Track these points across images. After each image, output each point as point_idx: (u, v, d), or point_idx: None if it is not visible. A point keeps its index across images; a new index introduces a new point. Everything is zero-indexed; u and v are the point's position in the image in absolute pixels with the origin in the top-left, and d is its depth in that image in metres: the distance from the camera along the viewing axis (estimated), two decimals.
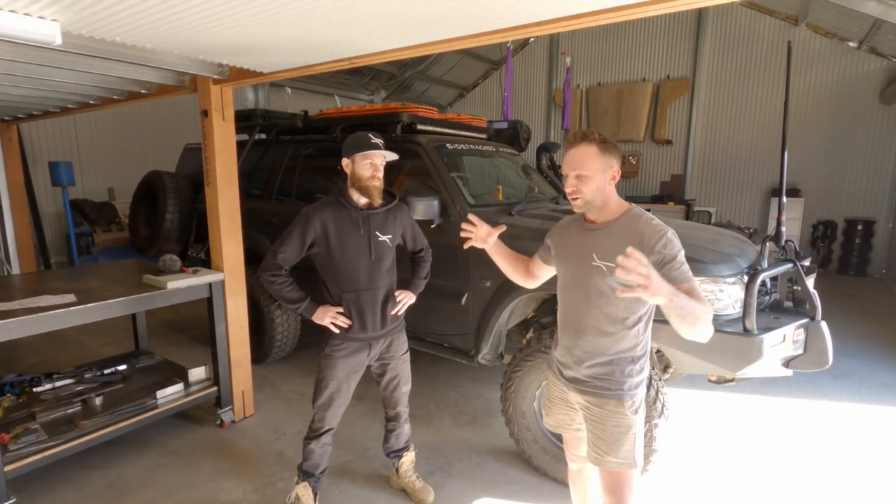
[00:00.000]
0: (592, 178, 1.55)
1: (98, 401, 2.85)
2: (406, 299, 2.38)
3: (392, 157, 2.19)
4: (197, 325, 5.11)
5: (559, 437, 2.56)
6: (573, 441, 1.88)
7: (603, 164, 1.56)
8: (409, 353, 2.44)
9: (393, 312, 2.30)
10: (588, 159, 1.55)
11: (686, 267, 1.51)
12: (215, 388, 3.15)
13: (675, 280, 1.47)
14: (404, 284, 2.43)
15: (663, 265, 1.49)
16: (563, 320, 1.74)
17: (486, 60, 11.07)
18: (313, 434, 2.32)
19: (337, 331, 2.21)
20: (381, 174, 2.16)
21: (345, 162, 2.17)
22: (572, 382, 1.71)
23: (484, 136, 4.58)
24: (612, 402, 1.63)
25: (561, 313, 1.75)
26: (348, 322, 2.20)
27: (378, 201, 2.19)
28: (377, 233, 2.20)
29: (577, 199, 1.59)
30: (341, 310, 2.20)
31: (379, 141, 2.15)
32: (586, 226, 1.66)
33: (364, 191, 2.15)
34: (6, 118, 4.89)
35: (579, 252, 1.64)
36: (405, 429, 2.52)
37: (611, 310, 1.59)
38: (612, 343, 1.61)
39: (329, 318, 2.18)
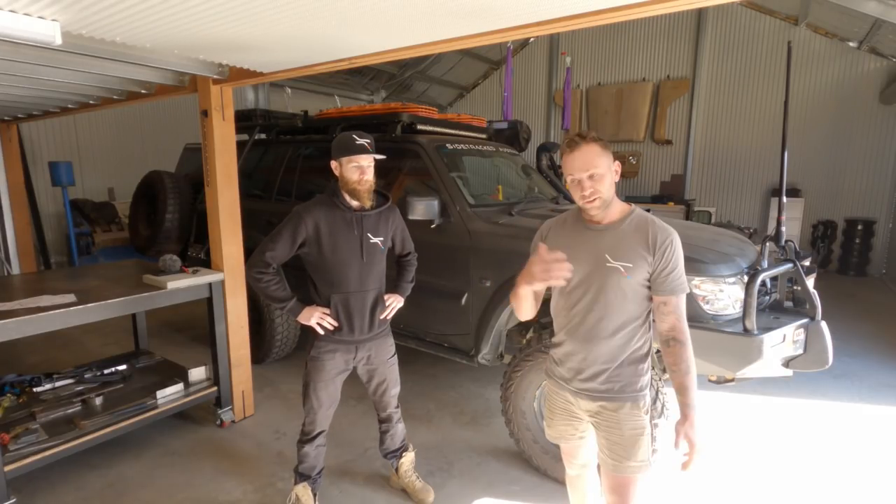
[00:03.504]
0: (605, 175, 1.53)
1: (98, 401, 2.85)
2: (395, 303, 2.36)
3: (379, 157, 2.15)
4: (197, 325, 5.11)
5: None
6: (573, 450, 1.84)
7: (608, 160, 1.56)
8: (396, 356, 2.42)
9: (382, 317, 2.28)
10: (597, 157, 1.52)
11: (683, 277, 1.55)
12: (215, 388, 3.15)
13: (669, 289, 1.52)
14: (391, 284, 2.41)
15: (665, 272, 1.53)
16: (569, 325, 1.64)
17: (486, 60, 11.07)
18: (306, 437, 2.31)
19: (322, 332, 2.19)
20: (368, 176, 2.13)
21: (333, 164, 2.16)
22: (584, 390, 1.64)
23: (484, 136, 4.58)
24: (628, 404, 1.60)
25: (565, 318, 1.65)
26: (334, 324, 2.18)
27: (368, 203, 2.16)
28: (369, 235, 2.18)
29: (595, 199, 1.53)
30: (328, 311, 2.18)
31: (364, 141, 2.09)
32: (590, 226, 1.61)
33: (353, 194, 2.13)
34: (6, 118, 4.89)
35: (588, 254, 1.58)
36: (399, 429, 2.52)
37: (623, 310, 1.57)
38: (627, 340, 1.59)
39: (315, 318, 2.16)
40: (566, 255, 1.62)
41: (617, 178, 1.59)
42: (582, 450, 1.83)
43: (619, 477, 1.65)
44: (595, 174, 1.51)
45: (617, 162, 1.59)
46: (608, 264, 1.54)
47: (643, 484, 1.69)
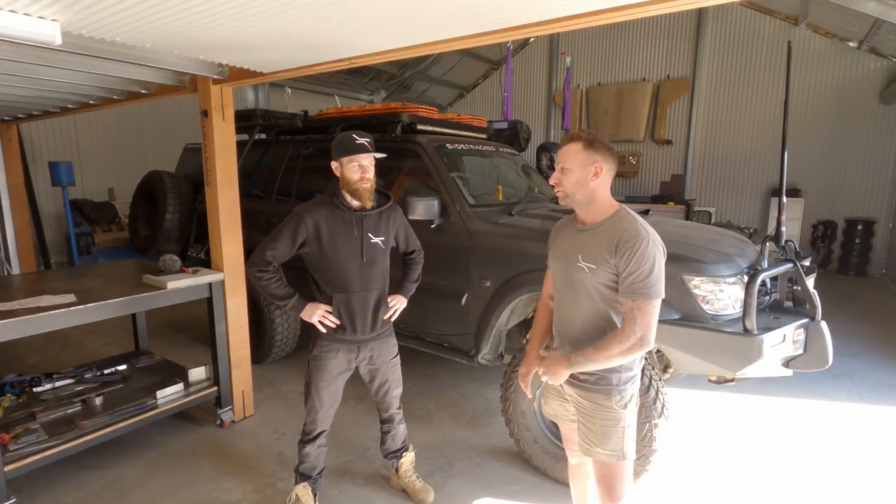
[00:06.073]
0: (573, 171, 1.61)
1: (98, 401, 2.85)
2: (398, 305, 2.36)
3: (380, 155, 2.15)
4: (197, 325, 5.11)
5: (559, 437, 2.57)
6: (571, 434, 1.90)
7: (585, 159, 1.60)
8: (398, 356, 2.41)
9: (385, 318, 2.28)
10: (571, 154, 1.62)
11: (645, 284, 1.52)
12: (215, 388, 3.15)
13: (626, 290, 1.54)
14: (395, 284, 2.40)
15: (624, 273, 1.54)
16: (556, 318, 1.80)
17: (486, 60, 11.07)
18: (307, 437, 2.31)
19: (324, 330, 2.19)
20: (370, 174, 2.13)
21: (334, 165, 2.15)
22: None
23: (484, 136, 4.58)
24: (601, 396, 1.67)
25: (554, 310, 1.81)
26: (336, 322, 2.18)
27: (369, 203, 2.16)
28: (370, 234, 2.18)
29: (558, 190, 1.66)
30: (331, 308, 2.18)
31: (364, 140, 2.09)
32: (577, 226, 1.72)
33: (354, 193, 2.12)
34: (6, 118, 4.89)
35: (568, 252, 1.69)
36: (400, 429, 2.52)
37: (595, 307, 1.64)
38: (598, 339, 1.63)
39: (318, 315, 2.16)
40: (558, 251, 1.78)
41: (596, 180, 1.60)
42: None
43: (601, 465, 1.72)
44: (564, 168, 1.63)
45: (598, 165, 1.59)
46: (578, 264, 1.64)
47: (630, 476, 1.75)
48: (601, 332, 1.64)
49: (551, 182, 1.68)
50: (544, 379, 1.71)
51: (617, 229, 1.58)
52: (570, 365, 1.63)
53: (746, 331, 2.25)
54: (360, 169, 2.10)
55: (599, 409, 1.68)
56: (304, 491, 2.32)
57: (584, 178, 1.60)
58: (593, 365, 1.60)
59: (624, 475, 1.72)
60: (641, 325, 1.53)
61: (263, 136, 4.61)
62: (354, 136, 2.10)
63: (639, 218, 1.62)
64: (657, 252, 1.55)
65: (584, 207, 1.66)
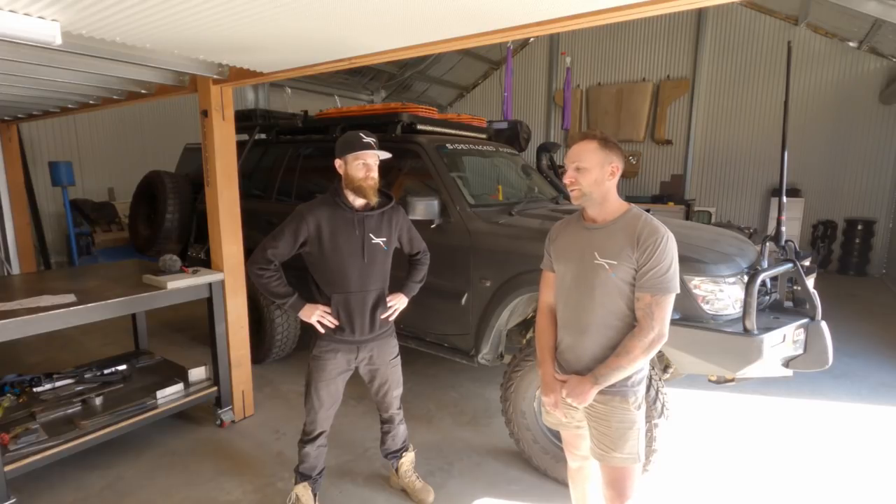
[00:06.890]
0: (590, 170, 1.60)
1: (98, 401, 2.85)
2: (398, 305, 2.35)
3: (385, 155, 2.17)
4: (197, 325, 5.11)
5: (559, 437, 2.57)
6: (573, 439, 1.89)
7: (602, 158, 1.60)
8: (399, 357, 2.41)
9: (383, 317, 2.28)
10: (587, 153, 1.61)
11: (666, 279, 1.55)
12: (215, 388, 3.15)
13: (646, 285, 1.56)
14: (398, 283, 2.40)
15: (645, 268, 1.55)
16: (565, 320, 1.75)
17: (486, 60, 11.07)
18: (307, 437, 2.32)
19: (323, 330, 2.20)
20: (374, 173, 2.14)
21: (338, 163, 2.16)
22: None
23: (484, 136, 4.58)
24: (617, 398, 1.65)
25: (562, 313, 1.76)
26: (335, 322, 2.18)
27: (374, 200, 2.16)
28: (371, 235, 2.18)
29: (574, 190, 1.64)
30: (329, 309, 2.19)
31: (371, 140, 2.12)
32: (587, 225, 1.70)
33: (358, 191, 2.13)
34: (6, 118, 4.89)
35: (580, 250, 1.67)
36: (401, 430, 2.52)
37: (614, 306, 1.62)
38: (616, 338, 1.63)
39: (317, 316, 2.16)
40: (566, 251, 1.74)
41: (612, 179, 1.63)
42: (582, 441, 1.85)
43: (614, 469, 1.69)
44: (580, 167, 1.61)
45: (615, 164, 1.62)
46: (595, 261, 1.62)
47: (640, 477, 1.73)
48: (618, 332, 1.62)
49: (566, 181, 1.65)
50: (571, 402, 1.67)
51: (635, 225, 1.59)
52: (595, 382, 1.60)
53: (746, 331, 2.25)
54: (364, 167, 2.11)
55: (615, 411, 1.65)
56: (304, 491, 2.32)
57: (602, 178, 1.61)
58: (620, 373, 1.58)
59: (634, 476, 1.70)
60: (658, 319, 1.55)
61: (263, 136, 4.62)
62: (361, 134, 2.11)
63: (652, 215, 1.65)
64: (674, 248, 1.57)
65: (598, 206, 1.66)
